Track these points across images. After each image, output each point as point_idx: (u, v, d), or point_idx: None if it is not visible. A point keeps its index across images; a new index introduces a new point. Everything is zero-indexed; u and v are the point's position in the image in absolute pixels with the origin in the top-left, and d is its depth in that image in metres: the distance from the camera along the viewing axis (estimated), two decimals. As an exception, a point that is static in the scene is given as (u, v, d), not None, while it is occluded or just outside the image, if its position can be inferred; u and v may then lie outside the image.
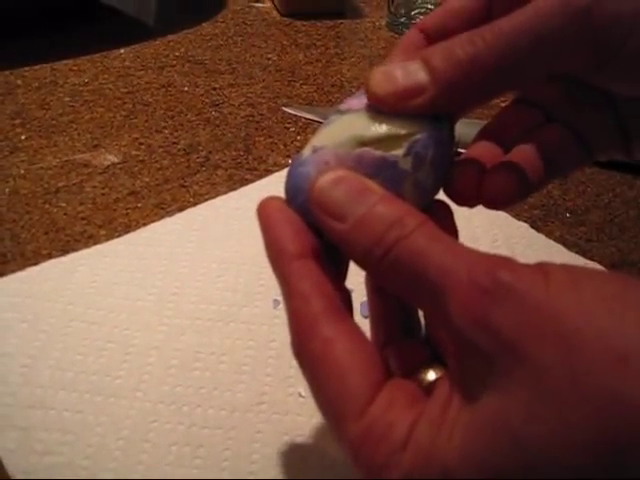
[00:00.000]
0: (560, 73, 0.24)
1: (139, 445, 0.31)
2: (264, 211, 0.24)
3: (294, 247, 0.23)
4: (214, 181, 0.49)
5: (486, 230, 0.45)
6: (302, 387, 0.34)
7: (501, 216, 0.46)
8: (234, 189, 0.48)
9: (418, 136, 0.23)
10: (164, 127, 0.56)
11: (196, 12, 0.80)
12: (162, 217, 0.45)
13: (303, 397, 0.33)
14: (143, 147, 0.53)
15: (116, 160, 0.51)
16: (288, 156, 0.53)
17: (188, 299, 0.39)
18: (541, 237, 0.45)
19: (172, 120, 0.57)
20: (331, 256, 0.24)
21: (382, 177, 0.23)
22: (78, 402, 0.32)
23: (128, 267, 0.40)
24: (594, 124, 0.28)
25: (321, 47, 0.72)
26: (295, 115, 0.58)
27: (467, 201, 0.26)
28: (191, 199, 0.47)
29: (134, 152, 0.52)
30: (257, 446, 0.31)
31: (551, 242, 0.44)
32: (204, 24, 0.76)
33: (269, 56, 0.69)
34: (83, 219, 0.45)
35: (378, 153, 0.23)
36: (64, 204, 0.46)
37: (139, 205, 0.47)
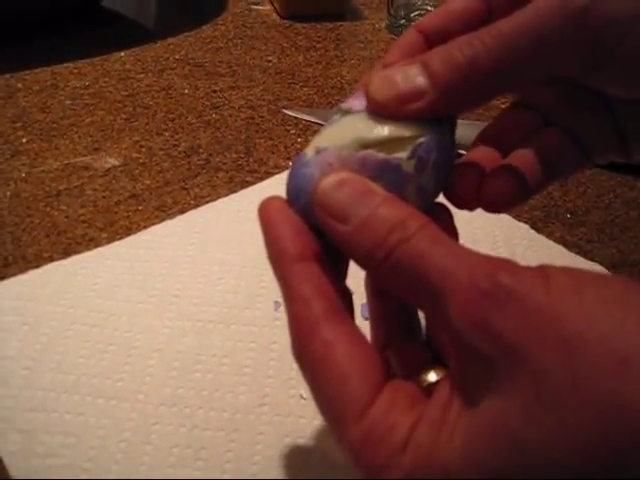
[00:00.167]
0: (558, 75, 0.24)
1: (141, 447, 0.31)
2: (265, 211, 0.24)
3: (295, 249, 0.23)
4: (215, 183, 0.49)
5: (487, 231, 0.45)
6: (304, 389, 0.34)
7: (502, 217, 0.46)
8: (235, 191, 0.48)
9: (421, 140, 0.23)
10: (165, 130, 0.56)
11: (196, 15, 0.81)
12: (163, 219, 0.45)
13: (305, 399, 0.33)
14: (144, 150, 0.53)
15: (117, 163, 0.51)
16: (289, 158, 0.53)
17: (189, 301, 0.39)
18: (542, 238, 0.45)
19: (172, 123, 0.57)
20: (332, 256, 0.24)
21: (385, 180, 0.23)
22: (80, 405, 0.33)
23: (129, 270, 0.41)
24: (592, 127, 0.28)
25: (321, 49, 0.72)
26: (295, 117, 0.58)
27: (467, 204, 0.26)
28: (192, 201, 0.47)
29: (135, 155, 0.52)
30: (259, 448, 0.31)
31: (552, 243, 0.44)
32: (204, 27, 0.76)
33: (269, 58, 0.70)
34: (84, 222, 0.45)
35: (381, 156, 0.23)
36: (65, 207, 0.46)
37: (140, 208, 0.47)
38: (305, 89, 0.63)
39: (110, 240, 0.43)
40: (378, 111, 0.24)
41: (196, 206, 0.47)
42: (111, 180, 0.49)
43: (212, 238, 0.43)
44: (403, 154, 0.23)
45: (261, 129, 0.57)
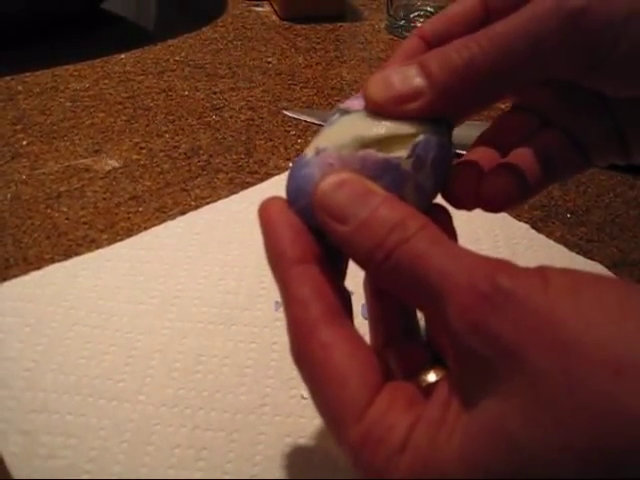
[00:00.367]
0: (555, 76, 0.24)
1: (142, 448, 0.31)
2: (265, 212, 0.24)
3: (293, 252, 0.23)
4: (215, 185, 0.50)
5: (487, 231, 0.45)
6: (304, 389, 0.33)
7: (502, 217, 0.46)
8: (235, 192, 0.48)
9: (419, 138, 0.23)
10: (165, 131, 0.56)
11: (196, 16, 0.81)
12: (164, 221, 0.45)
13: (305, 399, 0.33)
14: (144, 151, 0.53)
15: (117, 165, 0.51)
16: (289, 159, 0.53)
17: (190, 302, 0.39)
18: (542, 238, 0.45)
19: (173, 124, 0.57)
20: (331, 257, 0.24)
21: (385, 179, 0.23)
22: (81, 405, 0.33)
23: (130, 271, 0.41)
24: (591, 128, 0.28)
25: (321, 50, 0.72)
26: (295, 118, 0.58)
27: (465, 204, 0.26)
28: (192, 203, 0.48)
29: (135, 156, 0.53)
30: (260, 448, 0.31)
31: (552, 243, 0.44)
32: (204, 28, 0.76)
33: (269, 60, 0.70)
34: (85, 223, 0.45)
35: (381, 155, 0.23)
36: (66, 209, 0.46)
37: (140, 209, 0.47)
38: (305, 90, 0.64)
39: (111, 241, 0.43)
40: (376, 111, 0.24)
41: (197, 207, 0.47)
42: (111, 182, 0.49)
43: (213, 239, 0.44)
44: (402, 153, 0.23)
45: (261, 130, 0.57)
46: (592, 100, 0.27)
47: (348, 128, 0.24)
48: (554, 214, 0.48)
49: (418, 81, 0.24)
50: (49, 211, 0.46)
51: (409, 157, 0.23)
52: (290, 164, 0.52)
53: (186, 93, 0.62)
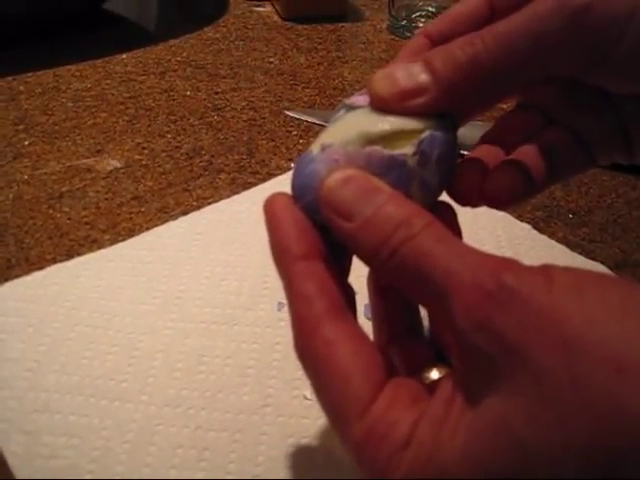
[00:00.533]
0: (558, 73, 0.24)
1: (144, 448, 0.31)
2: (270, 208, 0.24)
3: (298, 248, 0.23)
4: (217, 185, 0.50)
5: (489, 232, 0.45)
6: (307, 389, 0.34)
7: (504, 217, 0.46)
8: (237, 193, 0.48)
9: (424, 134, 0.23)
10: (167, 132, 0.56)
11: (197, 17, 0.81)
12: (166, 221, 0.45)
13: (308, 399, 0.33)
14: (146, 152, 0.53)
15: (119, 165, 0.51)
16: (290, 159, 0.53)
17: (192, 302, 0.39)
18: (544, 238, 0.45)
19: (174, 124, 0.57)
20: (336, 253, 0.24)
21: (391, 176, 0.23)
22: (83, 406, 0.33)
23: (132, 271, 0.41)
24: (595, 126, 0.28)
25: (322, 50, 0.72)
26: (297, 118, 0.58)
27: (470, 201, 0.26)
28: (194, 203, 0.48)
29: (137, 157, 0.53)
30: (262, 448, 0.31)
31: (554, 243, 0.44)
32: (205, 29, 0.76)
33: (271, 60, 0.70)
34: (87, 224, 0.45)
35: (387, 152, 0.23)
36: (68, 209, 0.46)
37: (142, 209, 0.47)
38: (307, 90, 0.64)
39: (113, 242, 0.43)
40: (381, 107, 0.24)
41: (198, 207, 0.47)
42: (113, 182, 0.49)
43: (215, 239, 0.44)
44: (407, 149, 0.23)
45: (263, 130, 0.57)
46: (596, 98, 0.28)
47: (353, 124, 0.24)
48: (556, 214, 0.48)
49: (423, 77, 0.24)
50: (51, 211, 0.46)
51: (415, 154, 0.23)
52: (292, 164, 0.52)
53: (188, 93, 0.62)
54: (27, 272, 0.40)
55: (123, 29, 0.77)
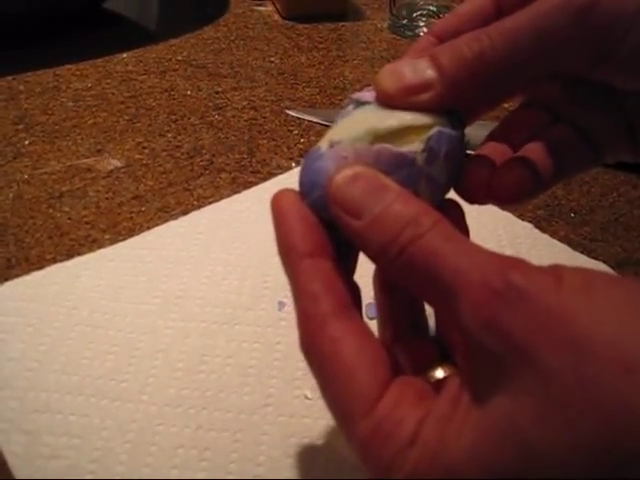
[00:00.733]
0: (564, 70, 0.24)
1: (145, 448, 0.31)
2: (277, 204, 0.24)
3: (305, 246, 0.23)
4: (218, 184, 0.49)
5: (491, 231, 0.45)
6: (308, 389, 0.34)
7: (505, 216, 0.46)
8: (238, 192, 0.48)
9: (432, 131, 0.23)
10: (167, 131, 0.56)
11: (198, 16, 0.81)
12: (166, 221, 0.45)
13: (309, 399, 0.33)
14: (146, 151, 0.53)
15: (119, 164, 0.51)
16: (291, 159, 0.53)
17: (193, 302, 0.39)
18: (546, 237, 0.45)
19: (175, 124, 0.57)
20: (342, 250, 0.24)
21: (399, 174, 0.23)
22: (84, 406, 0.32)
23: (132, 271, 0.40)
24: (601, 123, 0.28)
25: (323, 50, 0.72)
26: (298, 118, 0.58)
27: (478, 198, 0.26)
28: (195, 202, 0.47)
29: (137, 156, 0.52)
30: (263, 448, 0.31)
31: (556, 242, 0.44)
32: (206, 28, 0.76)
33: (271, 59, 0.70)
34: (87, 223, 0.45)
35: (396, 150, 0.23)
36: (68, 209, 0.46)
37: (143, 209, 0.47)
38: (307, 89, 0.63)
39: (113, 241, 0.43)
40: (386, 102, 0.24)
41: (199, 207, 0.47)
42: (114, 181, 0.49)
43: (215, 239, 0.43)
44: (415, 145, 0.23)
45: (264, 130, 0.57)
46: (602, 95, 0.27)
47: (361, 121, 0.24)
48: (558, 213, 0.48)
49: (429, 73, 0.24)
50: (51, 211, 0.46)
51: (423, 151, 0.23)
52: (293, 164, 0.52)
53: (188, 93, 0.62)
54: (27, 272, 0.40)
55: (123, 28, 0.77)
